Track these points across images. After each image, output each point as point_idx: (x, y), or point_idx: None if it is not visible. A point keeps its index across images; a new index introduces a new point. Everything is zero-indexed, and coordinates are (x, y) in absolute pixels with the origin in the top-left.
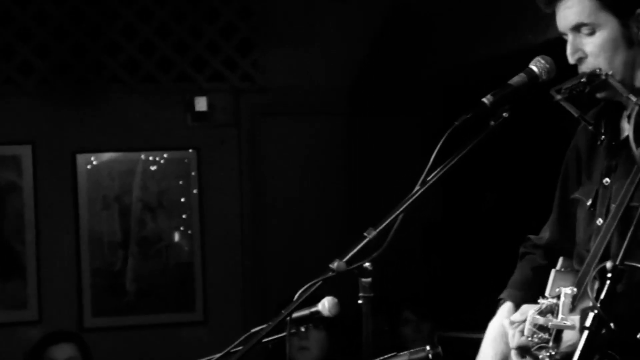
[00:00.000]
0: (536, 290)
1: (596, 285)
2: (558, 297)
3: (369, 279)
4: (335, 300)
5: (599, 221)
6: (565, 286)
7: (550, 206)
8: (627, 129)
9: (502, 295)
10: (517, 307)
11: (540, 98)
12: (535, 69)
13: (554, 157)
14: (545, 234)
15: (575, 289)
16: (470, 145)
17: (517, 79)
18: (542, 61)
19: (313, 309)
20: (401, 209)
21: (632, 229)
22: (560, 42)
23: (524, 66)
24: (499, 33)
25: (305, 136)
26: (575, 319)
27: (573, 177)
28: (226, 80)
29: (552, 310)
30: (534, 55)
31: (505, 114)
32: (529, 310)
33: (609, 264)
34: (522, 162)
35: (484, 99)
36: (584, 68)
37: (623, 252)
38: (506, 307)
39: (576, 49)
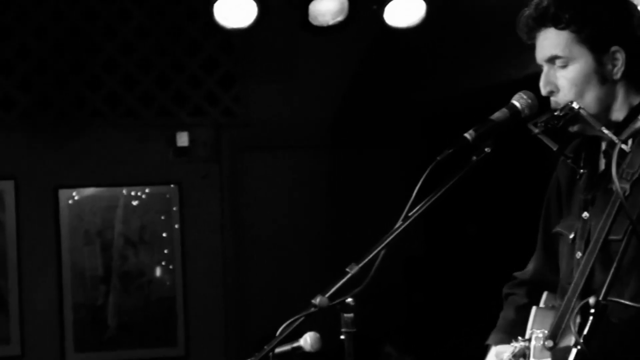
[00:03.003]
0: (521, 331)
1: (578, 320)
2: (530, 340)
3: (351, 315)
4: (318, 335)
5: (578, 254)
6: (545, 323)
7: (533, 237)
8: (604, 163)
9: (488, 341)
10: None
11: (521, 130)
12: (517, 104)
13: (535, 188)
14: (530, 267)
15: (546, 331)
16: (452, 180)
17: (499, 115)
18: (525, 96)
19: (295, 345)
20: (383, 244)
21: (615, 264)
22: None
23: (505, 99)
24: (481, 67)
25: (287, 170)
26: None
27: (555, 210)
28: (208, 114)
29: (524, 354)
30: (515, 88)
31: (487, 149)
32: (503, 353)
33: (592, 300)
34: (503, 193)
35: (466, 134)
36: (555, 101)
37: (606, 288)
38: (493, 352)
39: (548, 82)
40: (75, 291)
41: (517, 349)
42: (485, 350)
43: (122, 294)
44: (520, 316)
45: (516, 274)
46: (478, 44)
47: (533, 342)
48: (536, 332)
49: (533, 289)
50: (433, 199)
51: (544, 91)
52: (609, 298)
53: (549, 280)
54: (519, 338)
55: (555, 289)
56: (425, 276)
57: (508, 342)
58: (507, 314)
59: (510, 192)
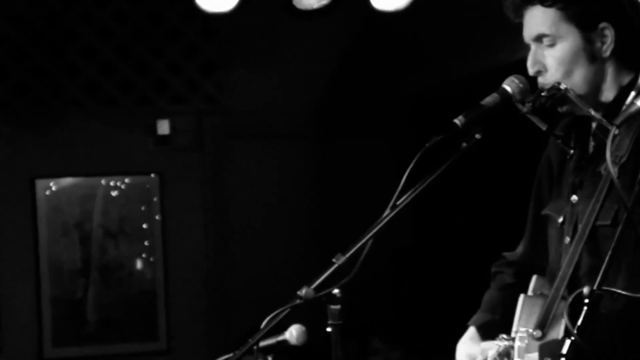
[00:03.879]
0: (503, 311)
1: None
2: (514, 339)
3: (337, 306)
4: (303, 328)
5: (567, 240)
6: (533, 313)
7: (524, 226)
8: (592, 146)
9: (469, 322)
10: (478, 329)
11: (512, 115)
12: (508, 88)
13: (526, 174)
14: (519, 249)
15: (531, 330)
16: (441, 168)
17: (489, 99)
18: (516, 81)
19: (280, 338)
20: (371, 234)
21: (610, 252)
22: None
23: (496, 85)
24: (471, 52)
25: (271, 160)
26: (533, 357)
27: (545, 190)
28: (189, 102)
29: (508, 354)
30: (507, 74)
31: (477, 135)
32: (489, 351)
33: (586, 290)
34: (494, 181)
35: (456, 120)
36: (543, 81)
37: (601, 277)
38: (468, 332)
39: (536, 61)
40: (53, 285)
41: (501, 348)
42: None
43: (102, 287)
44: (503, 295)
45: (505, 254)
46: (468, 28)
47: (517, 343)
48: (521, 331)
49: (521, 270)
50: (422, 187)
51: (531, 71)
52: (604, 287)
53: (538, 263)
54: (504, 337)
55: (543, 271)
56: (414, 267)
57: (487, 323)
58: (491, 292)
59: (501, 179)
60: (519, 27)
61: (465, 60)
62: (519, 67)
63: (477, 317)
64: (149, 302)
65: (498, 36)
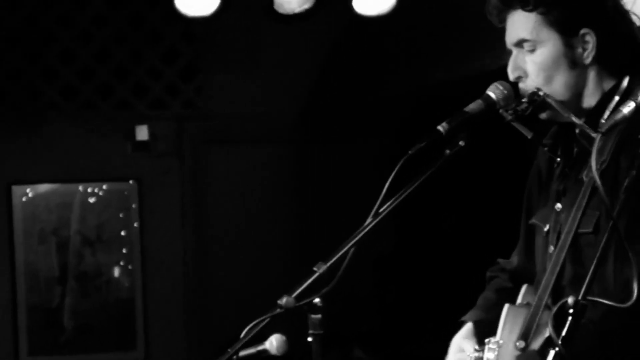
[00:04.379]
0: (498, 311)
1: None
2: (483, 350)
3: (318, 316)
4: (284, 338)
5: (551, 248)
6: (516, 323)
7: (510, 232)
8: (575, 152)
9: (464, 317)
10: (476, 327)
11: (496, 121)
12: (492, 95)
13: (512, 181)
14: (514, 258)
15: (501, 341)
16: (424, 175)
17: (473, 106)
18: (500, 87)
19: (260, 348)
20: (352, 242)
21: (595, 261)
22: None
23: (481, 91)
24: (455, 57)
25: (252, 165)
26: None
27: (535, 200)
28: (168, 107)
29: None
30: (491, 79)
31: (461, 142)
32: None
33: (570, 300)
34: (478, 187)
35: (439, 127)
36: (523, 87)
37: (586, 287)
38: (465, 327)
39: (516, 66)
40: (29, 292)
41: (472, 359)
42: (459, 325)
43: (79, 296)
44: (501, 299)
45: (500, 260)
46: (452, 33)
47: (486, 354)
48: (492, 342)
49: (517, 277)
50: (404, 195)
51: (511, 76)
52: (589, 297)
53: (531, 272)
54: (475, 348)
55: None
56: (396, 275)
57: (484, 321)
58: (487, 294)
59: (485, 185)
60: (501, 33)
61: (448, 65)
62: (503, 73)
63: (473, 313)
64: (127, 310)
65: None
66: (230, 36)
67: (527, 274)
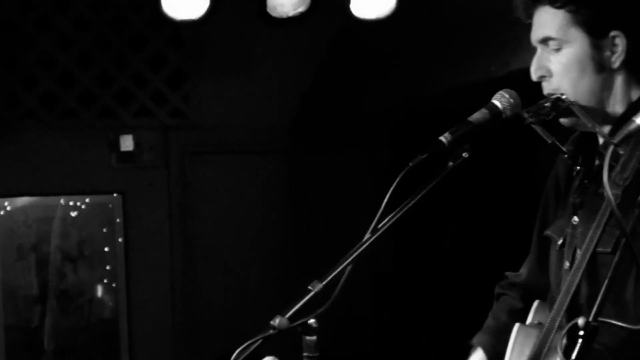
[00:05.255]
0: (508, 336)
1: (565, 342)
2: None
3: (313, 337)
4: None
5: (566, 264)
6: (527, 345)
7: (516, 248)
8: (597, 164)
9: (473, 341)
10: (487, 355)
11: (503, 132)
12: (498, 104)
13: (518, 196)
14: (524, 270)
15: None
16: (425, 189)
17: (478, 116)
18: (507, 95)
19: None
20: (349, 259)
21: (607, 282)
22: (525, 74)
23: (484, 98)
24: (457, 63)
25: (242, 177)
26: None
27: (552, 210)
28: (154, 116)
29: None
30: (495, 86)
31: (465, 154)
32: None
33: (580, 321)
34: (481, 202)
35: (442, 138)
36: (547, 88)
37: (597, 308)
38: (477, 356)
39: (540, 65)
40: (7, 312)
41: None
42: (467, 349)
43: (60, 315)
44: (512, 322)
45: (508, 274)
46: (454, 37)
47: None
48: None
49: (527, 293)
50: (405, 210)
51: (534, 76)
52: (600, 319)
53: (542, 286)
54: None
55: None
56: (394, 294)
57: (495, 349)
58: (498, 315)
59: (489, 200)
60: (505, 39)
61: (451, 72)
62: (510, 81)
63: (484, 338)
64: (111, 331)
65: (487, 47)
66: (220, 41)
67: (537, 288)
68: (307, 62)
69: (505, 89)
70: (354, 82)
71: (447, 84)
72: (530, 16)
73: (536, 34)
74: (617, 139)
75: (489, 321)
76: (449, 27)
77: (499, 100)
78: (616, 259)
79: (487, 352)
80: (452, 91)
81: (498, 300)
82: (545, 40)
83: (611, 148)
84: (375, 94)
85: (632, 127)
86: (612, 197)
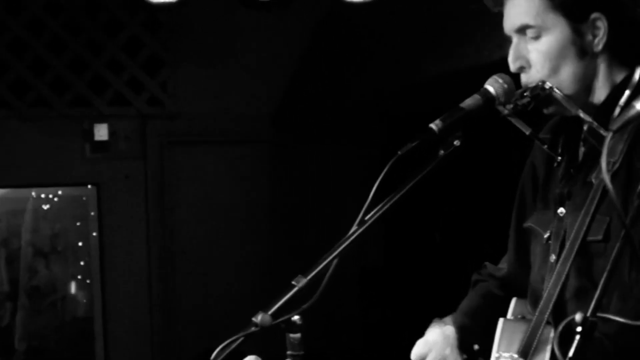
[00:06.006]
0: (484, 321)
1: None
2: None
3: (298, 335)
4: (259, 359)
5: (552, 258)
6: (514, 340)
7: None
8: (583, 152)
9: (444, 319)
10: (458, 331)
11: (494, 118)
12: (491, 89)
13: (511, 187)
14: (503, 265)
15: (515, 355)
16: (415, 179)
17: (470, 102)
18: (500, 80)
19: None
20: (335, 253)
21: (605, 274)
22: None
23: (478, 84)
24: (449, 49)
25: (222, 169)
26: None
27: (529, 200)
28: (131, 104)
29: None
30: (489, 73)
31: (456, 142)
32: None
33: (578, 317)
34: (473, 193)
35: (432, 125)
36: (526, 79)
37: (595, 302)
38: (448, 331)
39: (518, 56)
40: None
41: None
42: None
43: (31, 313)
44: (488, 306)
45: (488, 265)
46: (445, 21)
47: None
48: (504, 356)
49: (506, 287)
50: (393, 201)
51: (513, 67)
52: (599, 314)
53: (522, 282)
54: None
55: (526, 293)
56: (383, 290)
57: (468, 328)
58: (473, 298)
59: (481, 191)
60: (498, 23)
61: (440, 57)
62: (504, 65)
63: (456, 317)
64: (85, 330)
65: (479, 31)
66: (200, 25)
67: (517, 284)
68: (293, 47)
69: (498, 74)
70: (342, 70)
71: (442, 70)
72: (499, 4)
73: (511, 23)
74: (615, 126)
75: (463, 302)
76: (440, 11)
77: (492, 86)
78: (616, 249)
79: (459, 331)
80: (447, 77)
81: (474, 286)
82: (522, 29)
83: (609, 135)
84: (364, 82)
85: (632, 113)
86: (610, 186)
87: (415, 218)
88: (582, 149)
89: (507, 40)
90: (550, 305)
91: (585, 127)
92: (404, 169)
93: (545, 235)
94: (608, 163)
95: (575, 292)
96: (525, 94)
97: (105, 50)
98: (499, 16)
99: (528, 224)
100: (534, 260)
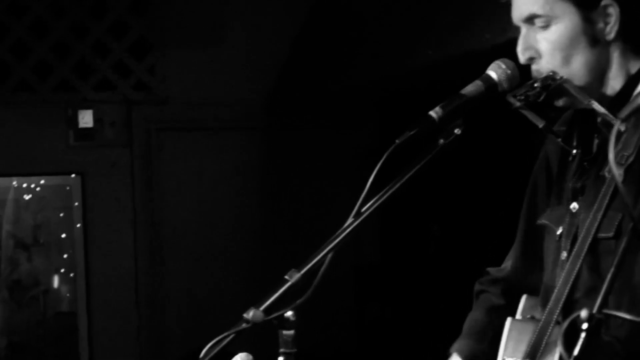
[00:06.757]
0: (492, 339)
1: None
2: None
3: (291, 332)
4: (250, 357)
5: (563, 255)
6: (522, 340)
7: (511, 238)
8: (596, 144)
9: (451, 349)
10: (465, 358)
11: (498, 106)
12: (494, 75)
13: (514, 177)
14: (508, 263)
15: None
16: (414, 169)
17: (471, 88)
18: (503, 66)
19: None
20: (330, 246)
21: (612, 270)
22: None
23: (479, 71)
24: (448, 31)
25: (212, 156)
26: None
27: (542, 195)
28: (116, 89)
29: None
30: (492, 57)
31: (457, 131)
32: None
33: (584, 313)
34: (475, 185)
35: (432, 113)
36: (536, 69)
37: (602, 298)
38: None
39: (528, 46)
40: None
41: None
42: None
43: (13, 308)
44: (492, 319)
45: (490, 269)
46: (443, 3)
47: None
48: None
49: (510, 288)
50: (391, 192)
51: (522, 58)
52: (605, 311)
53: (529, 280)
54: None
55: (536, 291)
56: (379, 286)
57: (474, 351)
58: (476, 315)
59: (481, 182)
60: (501, 4)
61: (440, 42)
62: (508, 49)
63: (462, 344)
64: (69, 325)
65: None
66: (188, 6)
67: (521, 283)
68: (285, 30)
69: (501, 59)
70: (336, 53)
71: (439, 55)
72: None
73: (520, 12)
74: (623, 114)
75: (467, 324)
76: None
77: (495, 71)
78: (623, 244)
79: (465, 356)
80: (447, 63)
81: (478, 298)
82: (530, 19)
83: (617, 123)
84: (359, 65)
85: (638, 101)
86: (618, 176)
87: (412, 211)
88: (596, 142)
89: (509, 25)
90: (560, 305)
91: (599, 119)
92: (402, 158)
93: (558, 232)
94: (622, 156)
95: (586, 290)
96: (535, 84)
97: (90, 33)
98: (507, 6)
99: (541, 220)
100: (547, 258)
